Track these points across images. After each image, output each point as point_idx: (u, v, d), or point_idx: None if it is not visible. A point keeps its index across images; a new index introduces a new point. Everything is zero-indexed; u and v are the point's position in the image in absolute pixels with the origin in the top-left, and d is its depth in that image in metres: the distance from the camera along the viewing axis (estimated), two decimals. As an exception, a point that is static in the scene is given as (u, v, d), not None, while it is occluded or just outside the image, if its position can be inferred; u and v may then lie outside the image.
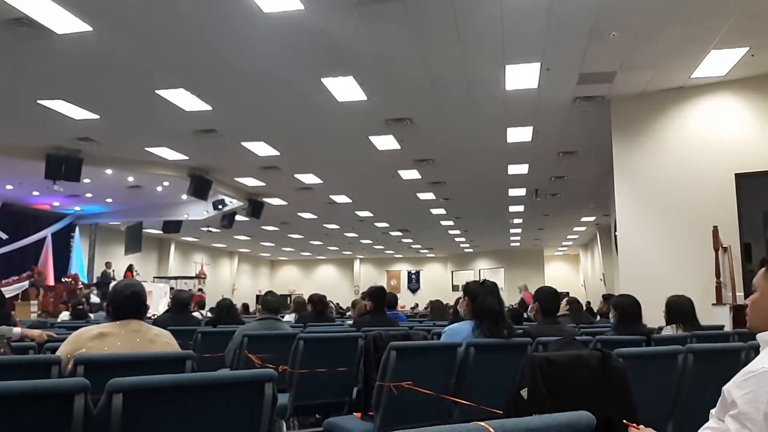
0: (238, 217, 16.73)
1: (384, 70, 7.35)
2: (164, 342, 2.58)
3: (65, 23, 6.05)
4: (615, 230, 9.78)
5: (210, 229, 19.44)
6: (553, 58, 6.99)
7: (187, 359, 2.39)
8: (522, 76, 7.51)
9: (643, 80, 7.74)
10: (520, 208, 17.20)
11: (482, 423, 0.97)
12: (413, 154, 11.26)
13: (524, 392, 2.16)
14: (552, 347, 2.68)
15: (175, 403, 1.69)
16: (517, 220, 19.60)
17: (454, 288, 29.54)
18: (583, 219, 19.41)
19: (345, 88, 7.86)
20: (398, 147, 10.57)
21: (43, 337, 3.58)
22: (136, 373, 1.71)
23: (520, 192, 14.74)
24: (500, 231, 22.08)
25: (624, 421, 1.72)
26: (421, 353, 3.14)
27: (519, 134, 9.96)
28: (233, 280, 29.97)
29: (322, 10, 5.84)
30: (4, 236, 15.63)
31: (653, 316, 4.42)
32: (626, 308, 4.16)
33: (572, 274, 30.92)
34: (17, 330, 3.66)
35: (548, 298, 3.99)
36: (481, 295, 3.39)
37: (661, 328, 4.34)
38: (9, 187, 14.07)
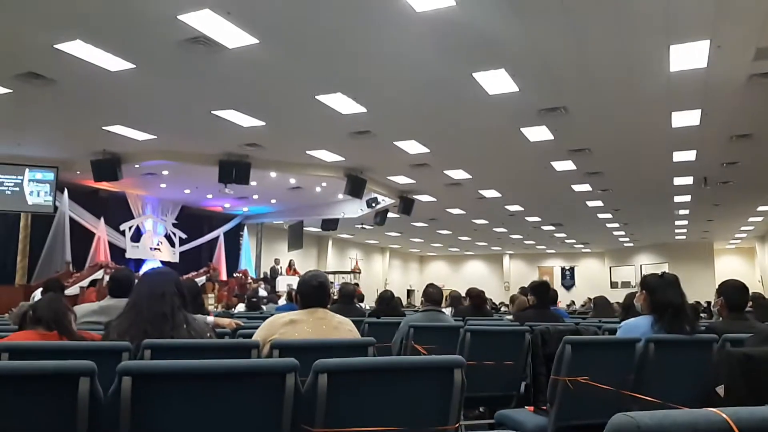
0: (389, 214, 17.18)
1: (537, 59, 7.17)
2: (347, 329, 2.75)
3: (236, 38, 6.56)
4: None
5: (364, 226, 20.17)
6: (724, 33, 6.39)
7: (369, 345, 2.52)
8: (688, 56, 6.96)
9: (837, 49, 6.85)
10: (687, 198, 15.95)
11: (714, 410, 0.94)
12: (568, 144, 10.88)
13: (720, 389, 2.03)
14: (749, 343, 2.49)
15: (372, 384, 1.81)
16: (683, 211, 18.20)
17: (613, 285, 28.13)
18: (761, 208, 17.58)
19: (496, 81, 7.79)
20: (551, 137, 10.27)
21: (233, 325, 3.94)
22: (323, 357, 1.84)
23: (687, 181, 13.67)
24: (664, 223, 20.63)
25: None
26: (597, 348, 3.06)
27: (685, 118, 9.24)
28: (385, 275, 30.83)
29: (474, 5, 5.83)
30: (184, 236, 17.40)
31: None
32: (830, 304, 3.73)
33: (747, 268, 28.05)
34: (210, 318, 4.05)
35: (735, 292, 3.67)
36: (660, 288, 3.22)
37: None
38: (187, 191, 15.62)
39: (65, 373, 1.62)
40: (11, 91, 8.21)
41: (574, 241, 27.21)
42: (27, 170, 12.27)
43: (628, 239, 25.47)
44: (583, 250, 31.00)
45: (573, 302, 23.14)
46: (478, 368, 3.75)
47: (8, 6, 5.91)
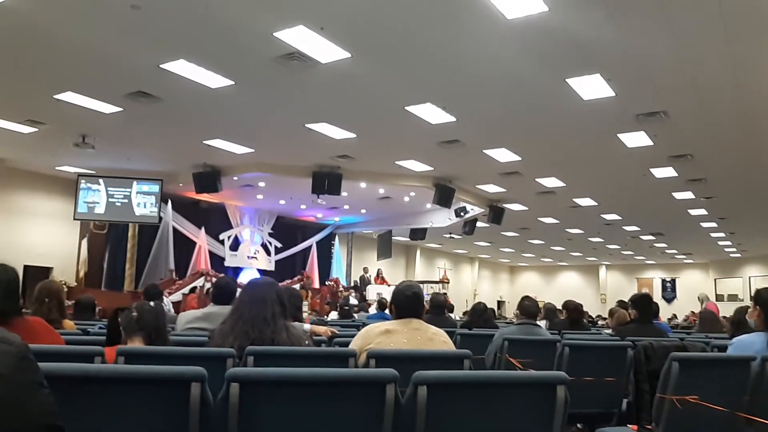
0: (478, 224, 16.99)
1: (633, 63, 6.90)
2: (442, 341, 2.73)
3: (328, 53, 6.73)
4: None
5: (452, 235, 20.05)
6: None
7: (465, 358, 2.49)
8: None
9: None
10: (804, 206, 14.79)
11: None
12: (668, 150, 10.36)
13: None
14: None
15: (472, 398, 1.79)
16: (797, 220, 16.89)
17: (718, 298, 26.43)
18: None
19: (590, 86, 7.55)
20: (651, 143, 9.82)
21: (328, 333, 4.02)
22: (419, 368, 1.83)
23: (804, 187, 12.69)
24: (776, 233, 19.25)
25: None
26: (707, 366, 2.89)
27: (802, 120, 8.60)
28: (474, 286, 30.46)
29: (567, 9, 5.70)
30: (279, 245, 18.00)
31: None
32: None
33: None
34: (307, 326, 4.15)
35: None
36: (777, 303, 3.01)
37: None
38: (282, 202, 16.16)
39: (178, 378, 1.71)
40: (122, 109, 8.81)
41: (675, 251, 25.84)
42: (135, 183, 13.10)
43: (734, 249, 23.90)
44: (686, 261, 29.34)
45: (674, 316, 21.91)
46: (576, 384, 3.60)
47: (120, 31, 6.36)
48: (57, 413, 1.13)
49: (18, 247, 12.61)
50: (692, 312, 18.67)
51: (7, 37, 6.55)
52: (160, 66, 7.20)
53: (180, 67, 7.23)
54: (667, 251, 25.65)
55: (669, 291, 30.20)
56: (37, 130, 9.95)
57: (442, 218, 16.54)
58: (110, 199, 13.00)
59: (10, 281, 2.41)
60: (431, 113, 8.73)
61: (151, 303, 2.97)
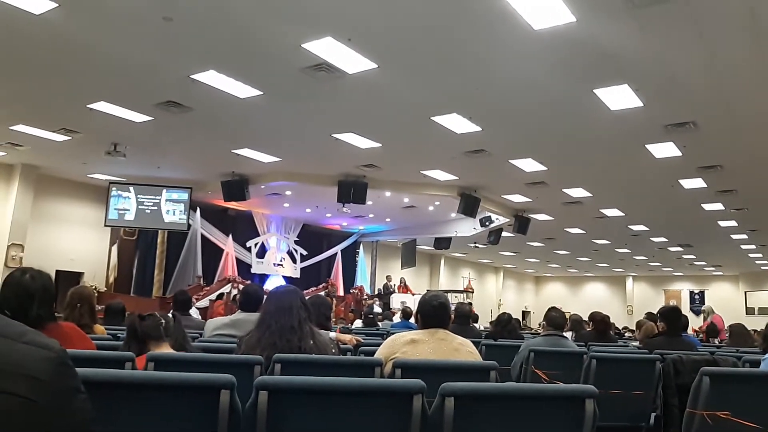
0: (504, 233, 16.89)
1: (662, 73, 6.82)
2: (468, 351, 2.73)
3: (356, 63, 6.78)
4: None
5: (477, 245, 19.95)
6: None
7: (492, 369, 2.48)
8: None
9: None
10: (839, 218, 14.44)
11: None
12: (697, 161, 10.21)
13: None
14: None
15: (500, 411, 1.78)
16: (832, 232, 16.49)
17: (749, 311, 25.88)
18: None
19: (618, 97, 7.49)
20: (679, 154, 9.68)
21: (354, 342, 4.03)
22: (444, 378, 1.83)
23: (839, 198, 12.40)
24: (809, 245, 18.80)
25: None
26: (739, 381, 2.83)
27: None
28: (499, 296, 30.23)
29: (595, 20, 5.66)
30: (304, 252, 18.12)
31: None
32: None
33: None
34: (332, 334, 4.16)
35: None
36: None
37: None
38: (308, 210, 16.29)
39: (208, 385, 1.74)
40: (153, 119, 8.97)
41: (704, 263, 25.37)
42: (164, 190, 13.31)
43: (766, 262, 23.40)
44: (715, 273, 28.76)
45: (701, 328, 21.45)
46: (603, 397, 3.58)
47: (152, 43, 6.50)
48: (92, 420, 1.14)
49: (51, 252, 12.88)
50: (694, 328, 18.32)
51: (43, 48, 6.73)
52: (191, 76, 7.32)
53: (210, 77, 7.35)
54: (695, 263, 25.21)
55: (697, 303, 29.50)
56: (70, 138, 10.18)
57: (467, 228, 16.48)
58: (140, 207, 13.21)
59: (46, 287, 2.45)
60: (457, 123, 8.73)
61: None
